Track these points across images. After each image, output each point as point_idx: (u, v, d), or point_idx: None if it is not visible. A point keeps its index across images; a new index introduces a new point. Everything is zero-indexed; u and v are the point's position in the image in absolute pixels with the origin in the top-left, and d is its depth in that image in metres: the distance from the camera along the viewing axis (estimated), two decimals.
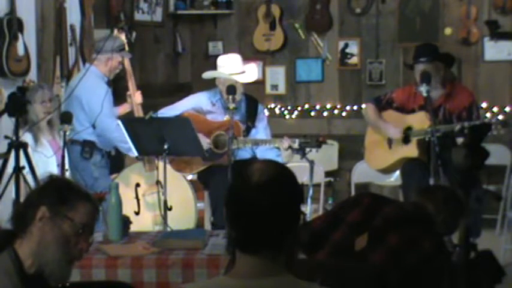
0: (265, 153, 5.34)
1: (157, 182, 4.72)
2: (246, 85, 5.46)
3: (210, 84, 5.54)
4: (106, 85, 5.25)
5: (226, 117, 5.34)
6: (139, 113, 5.31)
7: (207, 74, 5.50)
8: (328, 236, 3.08)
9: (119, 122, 4.82)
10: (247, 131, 5.41)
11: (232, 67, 5.36)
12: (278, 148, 5.19)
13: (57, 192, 2.26)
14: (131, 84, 5.41)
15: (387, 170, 5.60)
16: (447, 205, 3.31)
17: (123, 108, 5.50)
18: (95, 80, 5.16)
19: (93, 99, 5.11)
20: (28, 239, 2.22)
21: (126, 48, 5.40)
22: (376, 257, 2.92)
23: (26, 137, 4.74)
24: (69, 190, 2.29)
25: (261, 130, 5.48)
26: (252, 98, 5.59)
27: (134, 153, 4.96)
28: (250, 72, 5.46)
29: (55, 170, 4.82)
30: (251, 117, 5.47)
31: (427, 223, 3.09)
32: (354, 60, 7.38)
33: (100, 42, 5.33)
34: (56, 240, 2.21)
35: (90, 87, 5.12)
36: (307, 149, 4.96)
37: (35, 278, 2.20)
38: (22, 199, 3.19)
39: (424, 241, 2.94)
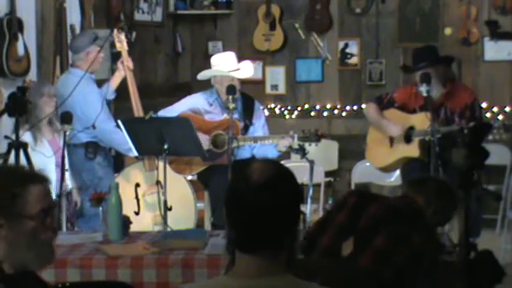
0: (262, 147, 5.33)
1: (157, 182, 4.72)
2: (246, 85, 5.45)
3: (210, 84, 5.53)
4: (96, 86, 5.23)
5: (224, 116, 5.33)
6: (139, 113, 5.30)
7: (203, 74, 5.48)
8: (317, 241, 3.07)
9: (119, 122, 4.82)
10: (245, 129, 5.40)
11: (227, 64, 5.35)
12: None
13: (2, 194, 2.11)
14: (124, 52, 5.37)
15: (388, 169, 5.60)
16: (438, 197, 3.31)
17: (116, 79, 5.43)
18: (84, 84, 5.07)
19: (88, 108, 5.10)
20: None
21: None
22: (364, 261, 2.91)
23: (26, 136, 4.73)
24: (13, 184, 2.12)
25: (258, 128, 5.46)
26: (247, 95, 5.56)
27: (134, 153, 4.95)
28: (245, 69, 5.44)
29: (53, 170, 4.81)
30: (248, 115, 5.45)
31: (414, 217, 3.07)
32: (354, 60, 7.38)
33: (76, 42, 5.36)
34: (24, 240, 2.12)
35: (82, 96, 5.08)
36: (308, 144, 4.93)
37: (16, 277, 2.16)
38: None
39: (413, 235, 2.94)
